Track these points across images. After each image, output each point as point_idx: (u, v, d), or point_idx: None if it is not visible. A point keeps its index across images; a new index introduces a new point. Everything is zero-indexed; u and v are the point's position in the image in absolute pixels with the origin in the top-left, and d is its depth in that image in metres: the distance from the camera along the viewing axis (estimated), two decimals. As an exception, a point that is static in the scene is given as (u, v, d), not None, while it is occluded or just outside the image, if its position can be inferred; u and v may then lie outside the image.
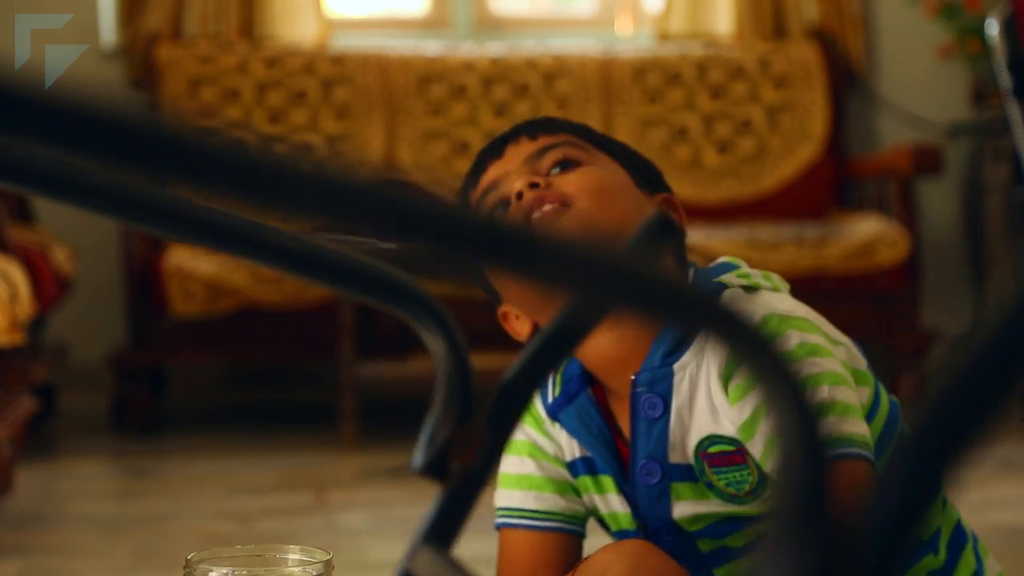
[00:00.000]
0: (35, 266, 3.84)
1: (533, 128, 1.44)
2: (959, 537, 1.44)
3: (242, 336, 4.26)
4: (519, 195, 1.38)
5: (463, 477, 0.74)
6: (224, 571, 1.17)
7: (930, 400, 0.55)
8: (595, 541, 1.48)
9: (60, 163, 0.69)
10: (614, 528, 1.47)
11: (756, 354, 0.58)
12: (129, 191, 0.69)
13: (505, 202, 1.41)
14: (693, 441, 1.37)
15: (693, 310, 0.59)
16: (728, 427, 1.34)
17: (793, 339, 1.32)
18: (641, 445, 1.39)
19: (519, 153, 1.42)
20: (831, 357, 1.31)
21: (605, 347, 1.40)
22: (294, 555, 1.21)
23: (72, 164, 0.69)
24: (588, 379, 1.46)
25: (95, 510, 3.38)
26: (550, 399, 1.47)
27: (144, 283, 4.28)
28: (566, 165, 1.41)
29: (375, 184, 0.54)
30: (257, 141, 0.52)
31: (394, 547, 2.94)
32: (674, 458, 1.37)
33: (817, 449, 0.57)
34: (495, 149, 1.44)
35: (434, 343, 0.72)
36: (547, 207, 1.37)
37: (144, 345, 4.32)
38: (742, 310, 0.59)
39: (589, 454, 1.45)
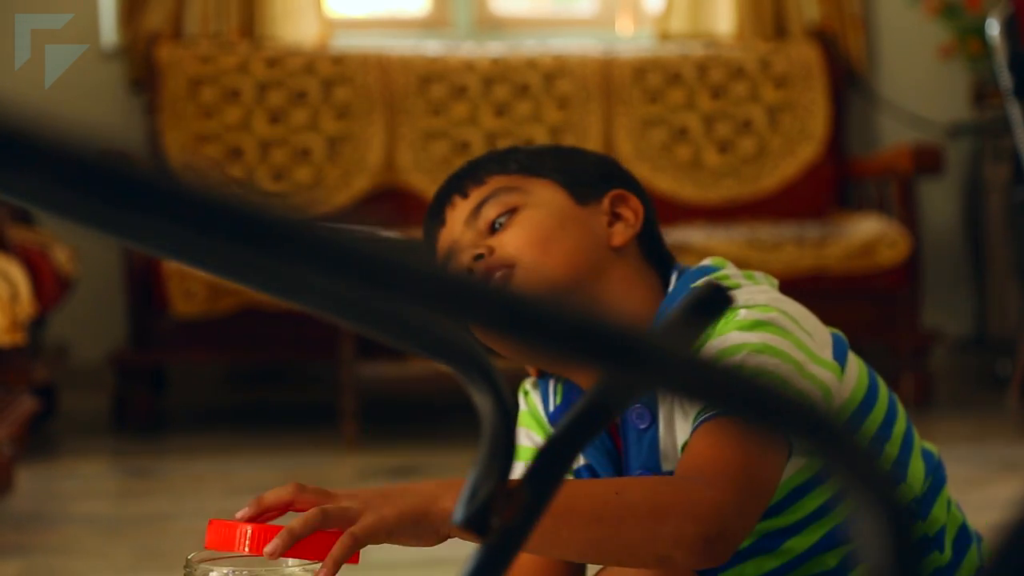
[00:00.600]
0: (36, 266, 3.84)
1: (461, 183, 1.43)
2: (964, 538, 1.44)
3: (242, 336, 4.26)
4: (469, 271, 1.39)
5: (502, 533, 0.75)
6: (225, 571, 1.17)
7: (1008, 530, 0.55)
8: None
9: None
10: None
11: (834, 450, 0.58)
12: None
13: None
14: (680, 447, 1.36)
15: (755, 404, 0.58)
16: None
17: (740, 313, 1.30)
18: (633, 455, 1.39)
19: (458, 217, 1.42)
20: (776, 334, 1.29)
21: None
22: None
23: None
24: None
25: (96, 510, 3.38)
26: (551, 407, 1.46)
27: (144, 283, 4.28)
28: (504, 214, 1.40)
29: (394, 252, 0.54)
30: (255, 195, 0.52)
31: (394, 547, 2.94)
32: (667, 466, 1.37)
33: (907, 556, 0.57)
34: (436, 216, 1.44)
35: (480, 399, 0.73)
36: (497, 275, 1.38)
37: (144, 345, 4.32)
38: (812, 404, 0.59)
39: (591, 462, 1.45)
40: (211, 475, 3.74)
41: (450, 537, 1.22)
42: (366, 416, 4.18)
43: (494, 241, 1.40)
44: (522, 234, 1.39)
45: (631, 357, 0.57)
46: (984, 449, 3.81)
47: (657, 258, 1.45)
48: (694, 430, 1.27)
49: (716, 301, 0.75)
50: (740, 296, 1.34)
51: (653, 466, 1.38)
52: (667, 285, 1.42)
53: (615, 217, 1.43)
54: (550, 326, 0.56)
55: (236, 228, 0.52)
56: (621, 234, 1.42)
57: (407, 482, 1.25)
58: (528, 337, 0.56)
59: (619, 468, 1.43)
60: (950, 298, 5.07)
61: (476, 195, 1.42)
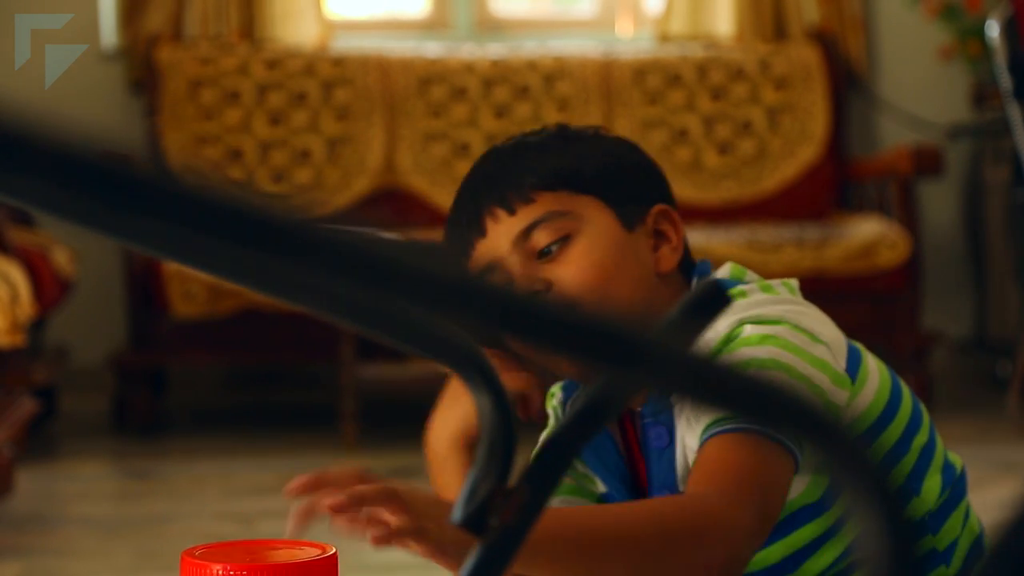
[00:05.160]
0: (36, 267, 3.84)
1: (504, 196, 1.36)
2: (978, 551, 1.42)
3: (243, 337, 4.26)
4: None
5: (501, 533, 0.75)
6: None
7: (1005, 529, 0.54)
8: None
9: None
10: None
11: (839, 451, 0.58)
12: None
13: None
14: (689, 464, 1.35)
15: (754, 403, 0.58)
16: None
17: (747, 330, 1.28)
18: (655, 475, 1.38)
19: (503, 232, 1.35)
20: (784, 348, 1.27)
21: None
22: (294, 556, 1.21)
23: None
24: None
25: (95, 511, 3.38)
26: None
27: (144, 284, 4.28)
28: (557, 242, 1.35)
29: (400, 252, 0.54)
30: (258, 197, 0.52)
31: (394, 548, 2.94)
32: (683, 487, 1.35)
33: (911, 564, 0.56)
34: (474, 225, 1.37)
35: (479, 399, 0.73)
36: None
37: (144, 346, 4.32)
38: (813, 403, 0.58)
39: (610, 491, 1.43)
40: (211, 476, 3.74)
41: None
42: (366, 418, 4.18)
43: (549, 272, 1.35)
44: (580, 273, 1.34)
45: (629, 354, 0.57)
46: (984, 450, 3.80)
47: (686, 266, 1.41)
48: (705, 442, 1.24)
49: (715, 300, 0.75)
50: (751, 308, 1.31)
51: (672, 485, 1.36)
52: None
53: (658, 237, 1.39)
54: (550, 325, 0.56)
55: (237, 228, 0.52)
56: (667, 259, 1.38)
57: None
58: (527, 335, 0.56)
59: (636, 493, 1.41)
60: (950, 299, 5.07)
61: (525, 215, 1.36)
